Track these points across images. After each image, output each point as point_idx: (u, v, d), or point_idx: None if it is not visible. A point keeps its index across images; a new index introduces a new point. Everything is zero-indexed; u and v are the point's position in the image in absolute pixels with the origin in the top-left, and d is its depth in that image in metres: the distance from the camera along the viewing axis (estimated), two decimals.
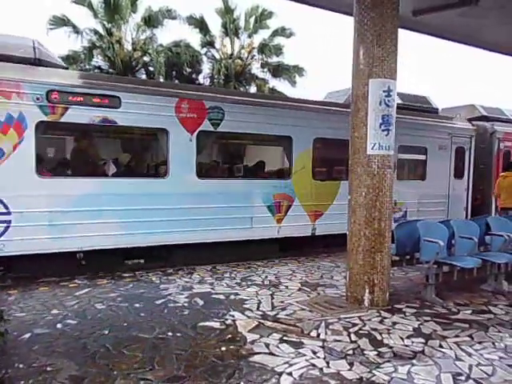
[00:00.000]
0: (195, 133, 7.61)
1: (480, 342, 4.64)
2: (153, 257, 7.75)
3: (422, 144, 10.53)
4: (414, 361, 4.17)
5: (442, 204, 11.06)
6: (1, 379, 3.67)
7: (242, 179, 8.44)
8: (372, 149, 5.66)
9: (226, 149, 9.81)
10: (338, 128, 8.20)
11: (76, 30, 18.54)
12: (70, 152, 7.79)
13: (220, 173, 8.75)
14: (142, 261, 7.86)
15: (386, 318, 5.35)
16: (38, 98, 6.42)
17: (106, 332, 4.71)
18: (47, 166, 6.98)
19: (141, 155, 8.55)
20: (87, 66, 18.74)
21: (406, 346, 4.53)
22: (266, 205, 8.42)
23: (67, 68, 7.35)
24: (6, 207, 6.30)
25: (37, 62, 6.67)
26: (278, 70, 21.31)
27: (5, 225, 6.33)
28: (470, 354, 4.34)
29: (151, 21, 19.25)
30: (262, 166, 9.16)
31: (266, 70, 21.61)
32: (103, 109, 6.85)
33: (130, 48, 19.24)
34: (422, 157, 10.63)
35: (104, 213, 6.90)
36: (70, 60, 18.49)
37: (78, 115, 6.71)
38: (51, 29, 17.89)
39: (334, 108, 9.14)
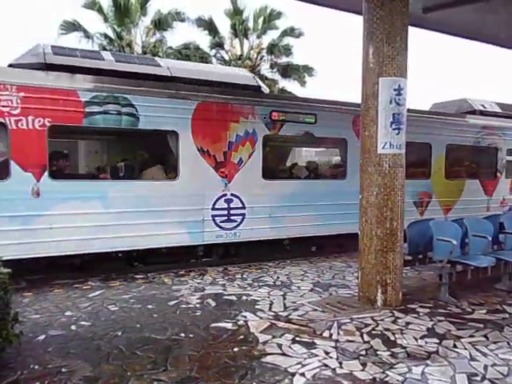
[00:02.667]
0: None
1: (495, 342, 4.58)
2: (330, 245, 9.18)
3: None
4: (428, 361, 4.13)
5: None
6: (16, 380, 3.72)
7: None
8: (383, 148, 5.63)
9: None
10: (461, 135, 10.50)
11: (87, 35, 18.75)
12: (281, 158, 9.74)
13: None
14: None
15: (399, 318, 5.31)
16: (264, 117, 8.08)
17: (119, 333, 4.75)
18: (268, 171, 8.44)
19: (328, 160, 10.48)
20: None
21: (420, 346, 4.49)
22: (413, 200, 9.91)
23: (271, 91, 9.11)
24: (242, 203, 7.99)
25: (258, 89, 8.39)
26: (288, 71, 21.31)
27: (241, 217, 7.99)
28: (485, 354, 4.29)
29: (161, 24, 19.38)
30: (410, 167, 10.58)
31: (275, 70, 21.62)
32: (306, 124, 8.48)
33: (140, 51, 19.37)
34: None
35: (301, 208, 8.43)
36: None
37: (289, 130, 8.42)
38: (62, 34, 18.13)
39: (456, 118, 10.75)
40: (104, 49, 19.00)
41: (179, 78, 7.61)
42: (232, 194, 7.87)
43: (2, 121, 6.18)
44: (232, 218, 7.90)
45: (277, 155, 9.55)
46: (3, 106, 6.17)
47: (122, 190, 7.00)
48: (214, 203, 7.74)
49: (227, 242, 7.98)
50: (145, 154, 8.25)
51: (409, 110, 9.99)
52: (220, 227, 7.83)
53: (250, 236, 8.09)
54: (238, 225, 7.96)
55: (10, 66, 6.71)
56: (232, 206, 7.88)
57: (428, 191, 10.28)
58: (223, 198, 7.82)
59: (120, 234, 6.93)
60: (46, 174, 6.44)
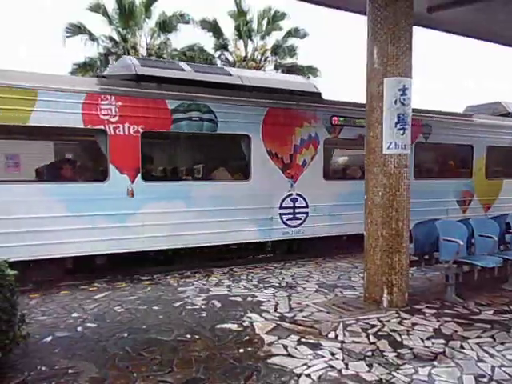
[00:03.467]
0: (413, 144, 9.37)
1: (502, 343, 4.55)
2: None
3: None
4: (435, 362, 4.11)
5: None
6: (23, 381, 3.74)
7: (444, 179, 10.66)
8: (388, 148, 5.62)
9: (432, 156, 11.52)
10: (499, 137, 11.14)
11: (92, 37, 18.85)
12: (339, 160, 10.31)
13: (428, 174, 10.72)
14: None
15: (405, 318, 5.29)
16: (325, 122, 8.74)
17: (126, 335, 4.77)
18: (328, 172, 9.17)
19: None
20: (104, 73, 19.00)
21: (427, 347, 4.47)
22: (456, 199, 10.67)
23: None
24: (306, 202, 8.60)
25: (318, 95, 8.95)
26: (292, 71, 21.27)
27: (305, 215, 8.62)
28: (492, 355, 4.26)
29: (165, 26, 19.43)
30: (454, 168, 11.29)
31: (279, 71, 21.61)
32: (360, 128, 8.46)
33: (144, 53, 19.44)
34: None
35: (358, 206, 8.13)
36: (87, 67, 18.80)
37: (347, 133, 9.03)
38: (68, 37, 18.23)
39: (494, 121, 11.33)
40: (109, 51, 19.12)
41: (249, 86, 8.26)
42: (297, 194, 8.58)
43: (103, 128, 6.85)
44: (297, 216, 8.60)
45: (336, 157, 10.19)
46: (104, 115, 6.84)
47: (202, 190, 7.67)
48: (281, 202, 8.43)
49: (292, 238, 8.65)
50: (221, 157, 8.70)
51: (453, 114, 10.87)
52: (286, 225, 8.49)
53: (312, 233, 8.74)
54: (302, 222, 8.64)
55: (104, 77, 7.63)
56: (297, 204, 8.57)
57: (470, 190, 10.93)
58: (289, 198, 8.50)
59: (201, 231, 7.58)
60: (139, 176, 7.12)
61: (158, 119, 7.25)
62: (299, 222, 8.61)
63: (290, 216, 8.51)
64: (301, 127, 8.52)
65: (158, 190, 7.30)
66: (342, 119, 8.93)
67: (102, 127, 6.83)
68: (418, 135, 9.89)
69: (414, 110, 9.86)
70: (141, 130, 7.09)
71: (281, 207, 8.40)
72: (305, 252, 8.96)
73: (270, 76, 9.64)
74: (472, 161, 10.94)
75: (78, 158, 7.85)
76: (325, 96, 9.15)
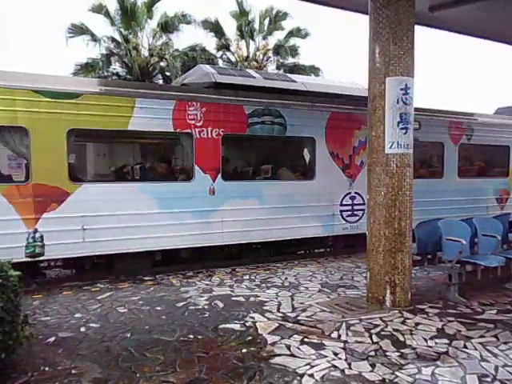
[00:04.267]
0: (457, 145, 10.53)
1: (506, 343, 4.54)
2: None
3: None
4: (438, 362, 4.10)
5: None
6: (27, 381, 3.75)
7: (484, 178, 11.26)
8: (390, 148, 5.61)
9: (473, 155, 11.98)
10: None
11: (94, 38, 18.84)
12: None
13: (470, 173, 11.23)
14: None
15: (408, 318, 5.28)
16: None
17: (128, 335, 4.77)
18: None
19: (427, 161, 11.24)
20: (105, 73, 19.03)
21: (430, 346, 4.46)
22: (495, 197, 11.29)
23: None
24: (363, 200, 9.12)
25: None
26: (294, 71, 21.25)
27: (362, 212, 9.16)
28: (495, 355, 4.25)
29: (167, 26, 19.41)
30: (493, 167, 11.82)
31: (281, 71, 21.59)
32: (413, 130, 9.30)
33: (146, 54, 19.45)
34: None
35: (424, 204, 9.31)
36: (89, 68, 18.81)
37: None
38: (70, 37, 18.25)
39: None
40: (111, 52, 19.14)
41: (312, 92, 8.84)
42: (355, 192, 9.22)
43: (190, 131, 7.54)
44: (355, 212, 9.23)
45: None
46: (190, 120, 7.53)
47: (273, 189, 8.29)
48: (342, 200, 9.07)
49: (350, 233, 9.17)
50: (289, 158, 9.39)
51: (492, 116, 11.57)
52: (346, 221, 9.11)
53: (363, 230, 9.17)
54: (360, 218, 9.20)
55: (184, 85, 8.29)
56: (355, 202, 9.22)
57: (506, 188, 11.54)
58: (348, 196, 9.16)
59: (272, 227, 8.16)
60: (219, 175, 7.81)
61: (237, 123, 7.96)
62: (357, 218, 9.25)
63: (349, 213, 9.18)
64: (359, 130, 9.10)
65: (235, 188, 8.00)
66: None
67: (189, 131, 7.54)
68: (462, 137, 10.63)
69: (458, 113, 10.83)
70: (221, 133, 7.79)
71: (341, 204, 9.06)
72: (361, 246, 9.40)
73: (330, 82, 10.06)
74: (509, 160, 11.62)
75: (167, 159, 8.46)
76: None
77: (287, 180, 8.73)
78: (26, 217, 6.47)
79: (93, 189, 6.92)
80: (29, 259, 6.50)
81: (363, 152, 9.08)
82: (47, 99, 6.54)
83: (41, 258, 6.65)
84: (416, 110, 9.93)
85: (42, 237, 6.55)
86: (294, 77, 9.46)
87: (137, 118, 7.08)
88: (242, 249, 8.46)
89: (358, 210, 9.26)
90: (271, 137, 8.36)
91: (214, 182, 7.75)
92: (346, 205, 9.11)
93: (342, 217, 9.09)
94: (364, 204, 9.09)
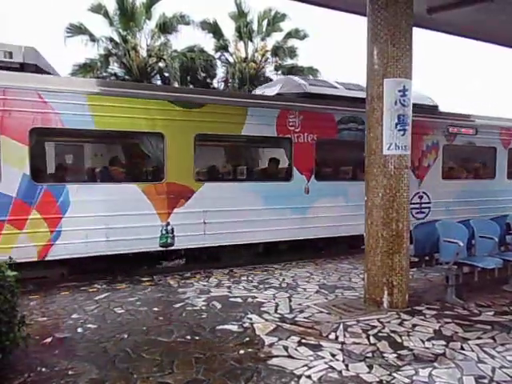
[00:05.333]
0: (507, 148, 11.50)
1: (503, 344, 4.55)
2: None
3: None
4: (436, 363, 4.11)
5: None
6: (23, 382, 3.74)
7: None
8: (388, 149, 5.62)
9: None
10: None
11: (92, 38, 18.80)
12: (452, 163, 11.33)
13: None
14: None
15: (405, 320, 5.29)
16: (443, 131, 10.37)
17: (126, 336, 4.76)
18: (445, 173, 10.61)
19: (480, 164, 11.93)
20: (103, 74, 19.00)
21: (427, 348, 4.46)
22: None
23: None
24: (429, 199, 10.16)
25: (436, 108, 10.45)
26: (292, 72, 21.26)
27: (428, 209, 10.16)
28: (492, 357, 4.26)
29: (165, 27, 19.40)
30: None
31: (279, 72, 21.60)
32: (470, 136, 10.74)
33: (145, 54, 19.44)
34: None
35: (467, 202, 10.55)
36: (87, 68, 18.78)
37: (459, 140, 10.68)
38: (68, 37, 18.22)
39: None
40: (109, 52, 19.12)
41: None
42: (423, 192, 10.12)
43: (290, 137, 8.51)
44: (422, 210, 10.11)
45: (450, 160, 11.42)
46: (290, 126, 8.48)
47: (355, 188, 8.72)
48: (412, 199, 9.59)
49: None
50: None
51: None
52: (414, 217, 9.70)
53: None
54: (426, 215, 10.06)
55: (279, 94, 9.01)
56: (422, 201, 10.12)
57: None
58: (417, 195, 10.00)
59: (354, 222, 8.51)
60: (313, 176, 8.74)
61: (328, 129, 8.91)
62: (423, 215, 10.09)
63: (418, 210, 10.00)
64: (426, 135, 10.14)
65: (326, 187, 8.92)
66: (457, 128, 10.63)
67: (289, 136, 8.51)
68: (511, 141, 11.61)
69: (508, 119, 11.64)
70: (315, 139, 8.73)
71: (411, 203, 9.47)
72: None
73: None
74: None
75: (271, 161, 9.26)
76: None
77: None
78: (160, 211, 7.42)
79: (212, 187, 7.89)
80: (162, 249, 7.54)
81: (429, 155, 10.28)
82: (179, 108, 7.51)
83: (170, 248, 7.64)
84: (472, 117, 10.65)
85: (172, 229, 7.51)
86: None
87: (248, 125, 8.08)
88: (327, 242, 9.20)
89: (424, 207, 10.16)
90: (355, 142, 9.05)
91: (308, 181, 8.73)
92: (415, 203, 9.87)
93: (412, 214, 9.62)
94: (430, 203, 10.27)
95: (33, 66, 6.93)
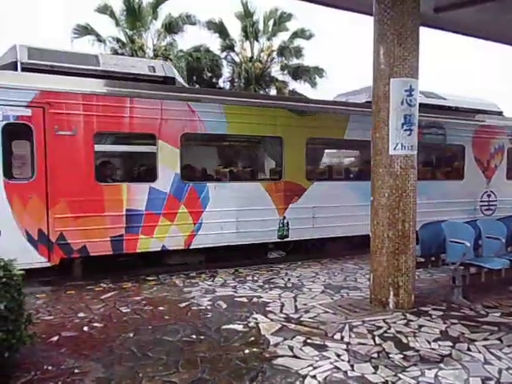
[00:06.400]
0: None
1: (509, 346, 4.52)
2: None
3: None
4: (442, 364, 4.09)
5: None
6: (30, 380, 3.76)
7: None
8: (394, 149, 5.60)
9: None
10: None
11: (99, 39, 18.92)
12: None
13: None
14: None
15: (411, 320, 5.27)
16: (508, 135, 11.34)
17: (131, 335, 4.78)
18: (508, 173, 11.52)
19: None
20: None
21: (433, 349, 4.44)
22: None
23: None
24: (495, 196, 11.17)
25: (500, 114, 11.53)
26: (298, 72, 21.27)
27: (494, 207, 11.23)
28: (499, 358, 4.23)
29: (172, 27, 19.47)
30: None
31: (285, 72, 21.59)
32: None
33: (151, 54, 19.50)
34: None
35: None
36: None
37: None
38: (75, 37, 18.33)
39: None
40: (116, 52, 19.20)
41: (459, 107, 10.82)
42: (490, 191, 11.11)
43: None
44: (490, 207, 11.11)
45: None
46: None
47: (435, 188, 9.89)
48: (481, 197, 10.95)
49: None
50: (446, 162, 11.40)
51: None
52: (483, 214, 10.88)
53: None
54: (493, 212, 11.02)
55: (368, 102, 9.30)
56: (490, 199, 11.13)
57: None
58: (486, 194, 11.05)
59: (431, 218, 8.54)
60: None
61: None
62: (491, 212, 11.05)
63: (486, 207, 11.06)
64: (494, 139, 11.11)
65: (422, 186, 9.53)
66: None
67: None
68: None
69: None
70: None
71: (481, 200, 10.96)
72: None
73: (470, 99, 11.75)
74: None
75: (367, 162, 10.37)
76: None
77: (443, 180, 10.75)
78: (279, 207, 8.41)
79: (320, 185, 8.88)
80: (279, 240, 8.52)
81: (496, 157, 11.25)
82: (296, 115, 8.52)
83: (286, 240, 8.58)
84: (507, 119, 11.25)
85: (288, 222, 8.46)
86: (443, 94, 11.08)
87: (349, 130, 9.13)
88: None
89: (491, 205, 11.17)
90: (435, 144, 10.26)
91: None
92: (483, 201, 11.01)
93: (481, 210, 10.96)
94: (496, 200, 11.24)
95: (172, 79, 8.16)
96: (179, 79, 8.60)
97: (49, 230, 6.69)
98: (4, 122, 6.44)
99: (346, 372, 3.93)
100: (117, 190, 7.15)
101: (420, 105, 9.31)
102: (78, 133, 6.83)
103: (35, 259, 6.57)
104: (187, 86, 8.91)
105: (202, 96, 7.95)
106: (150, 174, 7.55)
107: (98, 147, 7.03)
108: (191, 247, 7.76)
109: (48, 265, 6.72)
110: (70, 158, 6.75)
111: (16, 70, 6.93)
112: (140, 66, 7.99)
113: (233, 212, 7.93)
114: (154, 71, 8.01)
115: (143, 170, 8.09)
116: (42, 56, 7.20)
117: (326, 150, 10.59)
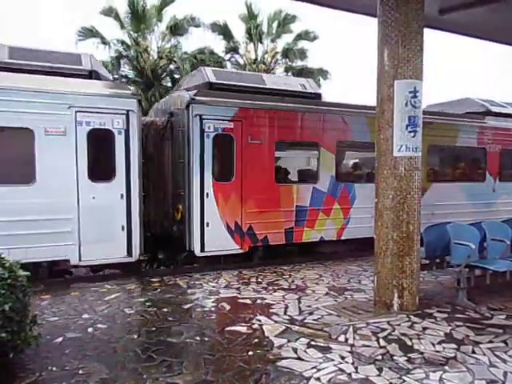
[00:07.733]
0: None
1: None
2: None
3: None
4: (446, 367, 4.07)
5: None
6: (35, 381, 3.78)
7: None
8: (399, 151, 5.58)
9: None
10: None
11: (104, 41, 18.96)
12: None
13: None
14: None
15: (416, 322, 5.25)
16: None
17: (135, 336, 4.79)
18: None
19: None
20: (115, 76, 19.11)
21: (438, 351, 4.42)
22: None
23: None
24: None
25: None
26: (302, 74, 21.21)
27: None
28: (504, 361, 4.21)
29: (176, 29, 19.49)
30: None
31: (289, 74, 21.58)
32: None
33: (155, 56, 19.54)
34: None
35: None
36: None
37: None
38: (80, 40, 18.39)
39: None
40: (120, 54, 19.26)
41: (499, 113, 11.79)
42: None
43: (484, 147, 11.21)
44: None
45: None
46: (485, 139, 11.13)
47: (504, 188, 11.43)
48: None
49: None
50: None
51: None
52: None
53: None
54: None
55: (469, 113, 11.27)
56: None
57: None
58: None
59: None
60: (497, 178, 11.38)
61: (508, 141, 11.46)
62: None
63: None
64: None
65: (503, 187, 11.44)
66: None
67: (484, 147, 11.13)
68: None
69: None
70: (500, 148, 11.39)
71: None
72: None
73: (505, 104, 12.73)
74: None
75: (472, 166, 11.62)
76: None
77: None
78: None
79: (437, 187, 10.27)
80: None
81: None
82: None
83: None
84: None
85: None
86: (501, 103, 12.17)
87: (459, 138, 10.65)
88: None
89: None
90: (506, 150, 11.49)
91: (494, 182, 11.31)
92: None
93: None
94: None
95: (319, 95, 9.75)
96: (320, 93, 10.02)
97: (242, 222, 8.28)
98: (214, 133, 8.00)
99: (350, 374, 3.92)
100: (289, 189, 8.75)
101: (499, 114, 11.57)
102: (264, 141, 8.42)
103: (232, 247, 8.27)
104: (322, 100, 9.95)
105: (351, 110, 9.33)
106: (313, 176, 9.11)
107: (277, 153, 8.65)
108: (341, 238, 9.28)
109: (240, 251, 8.37)
110: (257, 163, 8.34)
111: (209, 89, 8.41)
112: (293, 84, 9.64)
113: (367, 209, 8.15)
114: (305, 88, 9.61)
115: (308, 172, 9.45)
116: (227, 77, 9.01)
117: (440, 156, 11.45)
